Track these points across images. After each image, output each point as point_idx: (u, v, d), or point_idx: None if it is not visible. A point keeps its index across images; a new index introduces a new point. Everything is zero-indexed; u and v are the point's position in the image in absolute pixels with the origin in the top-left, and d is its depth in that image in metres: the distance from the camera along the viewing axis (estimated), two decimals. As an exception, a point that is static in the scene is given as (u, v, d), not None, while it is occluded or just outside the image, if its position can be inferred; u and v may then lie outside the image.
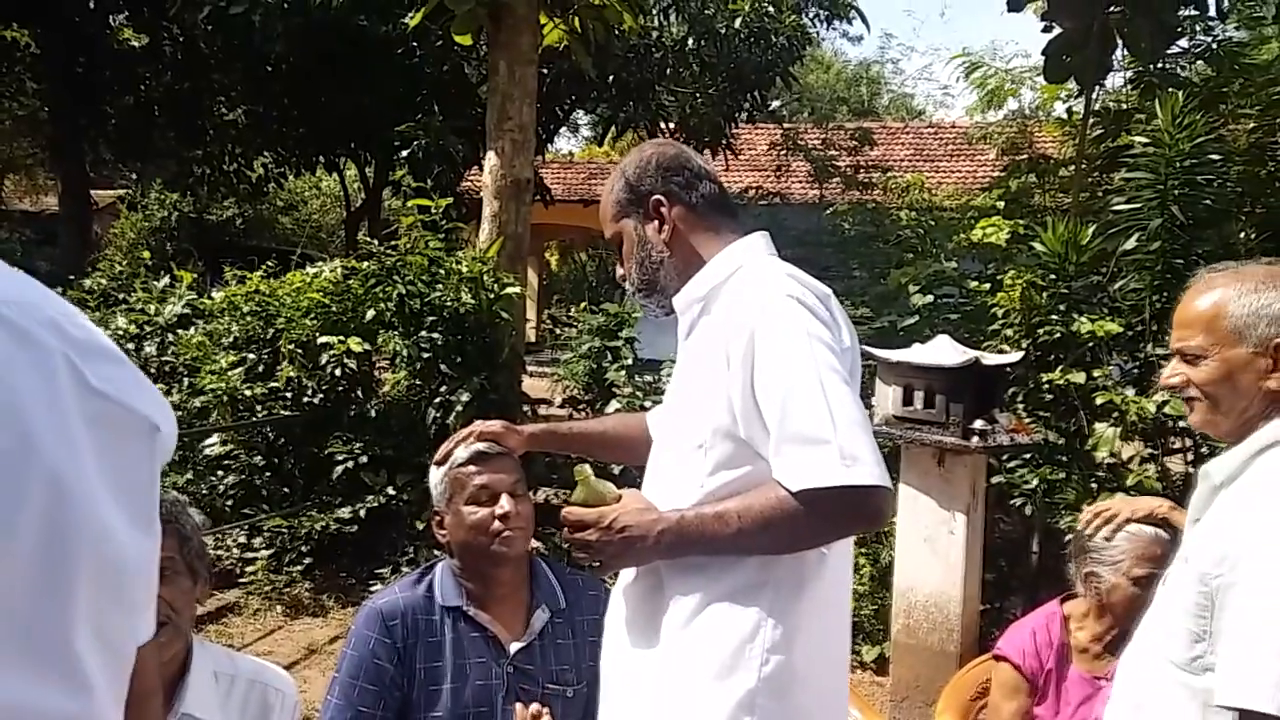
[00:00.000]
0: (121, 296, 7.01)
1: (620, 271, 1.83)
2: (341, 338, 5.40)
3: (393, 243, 5.64)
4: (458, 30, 6.10)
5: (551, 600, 2.08)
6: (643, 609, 1.67)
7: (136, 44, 12.40)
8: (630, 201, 1.78)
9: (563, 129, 15.76)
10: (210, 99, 12.01)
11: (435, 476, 2.07)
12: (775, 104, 14.32)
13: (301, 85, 10.23)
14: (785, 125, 13.62)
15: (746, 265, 1.68)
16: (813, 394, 1.47)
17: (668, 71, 10.25)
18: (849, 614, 1.74)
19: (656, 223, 1.74)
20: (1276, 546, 1.39)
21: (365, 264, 5.61)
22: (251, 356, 5.73)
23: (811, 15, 10.69)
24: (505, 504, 1.98)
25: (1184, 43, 7.41)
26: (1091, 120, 7.23)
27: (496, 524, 1.97)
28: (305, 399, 5.58)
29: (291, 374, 5.57)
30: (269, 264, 6.57)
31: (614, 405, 5.44)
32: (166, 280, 6.53)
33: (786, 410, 1.49)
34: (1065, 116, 8.97)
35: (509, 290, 5.56)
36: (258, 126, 11.76)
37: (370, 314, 5.45)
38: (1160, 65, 7.19)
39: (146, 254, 7.66)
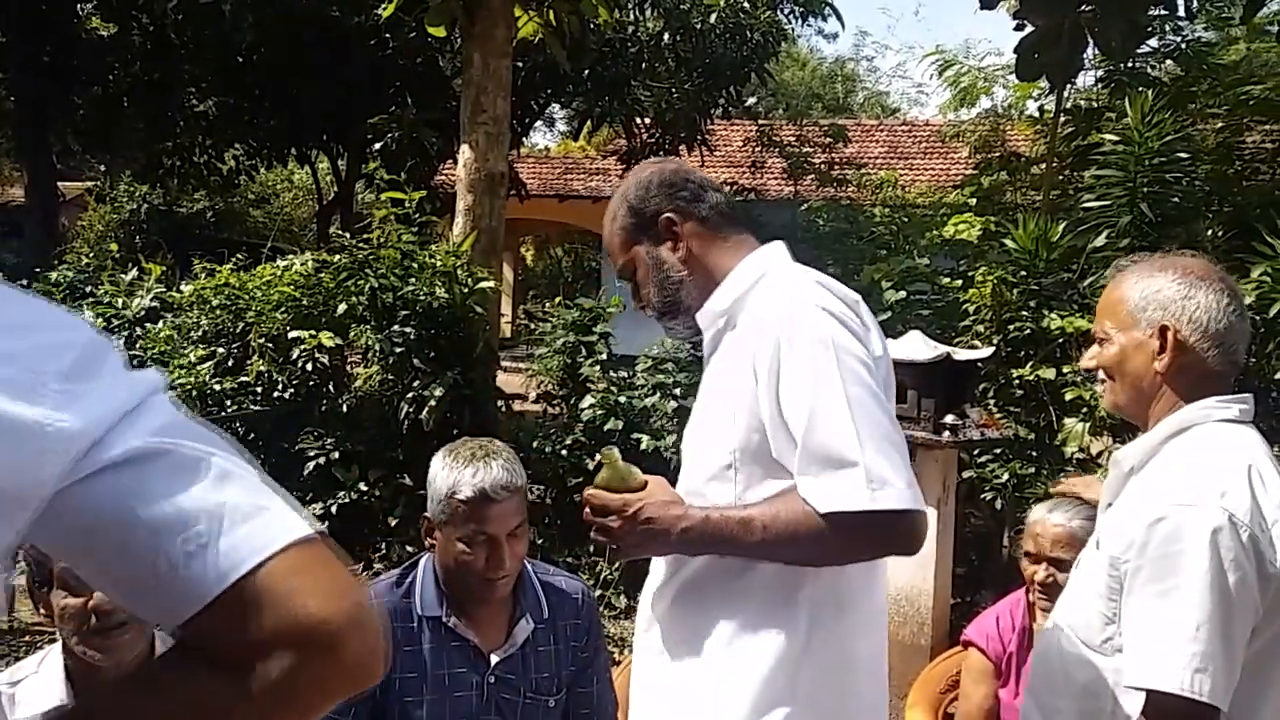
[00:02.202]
0: (88, 290, 6.91)
1: (639, 300, 1.75)
2: (313, 332, 5.35)
3: (365, 236, 5.59)
4: (431, 22, 6.06)
5: (535, 610, 2.03)
6: (681, 617, 1.63)
7: (105, 33, 12.23)
8: (638, 226, 1.71)
9: (538, 123, 15.72)
10: (180, 90, 11.86)
11: (436, 477, 1.93)
12: (751, 100, 14.35)
13: (273, 76, 10.12)
14: (760, 122, 13.65)
15: (769, 274, 1.63)
16: (839, 411, 1.42)
17: (643, 66, 10.24)
18: (885, 626, 1.70)
19: (670, 243, 1.68)
20: (1179, 530, 1.44)
21: (337, 257, 5.56)
22: (221, 351, 5.67)
23: (786, 11, 10.71)
24: (501, 552, 1.89)
25: (1154, 42, 7.49)
26: (1062, 118, 7.29)
27: (486, 569, 1.89)
28: (276, 394, 5.52)
29: (262, 368, 5.51)
30: (239, 257, 6.50)
31: (588, 400, 5.43)
32: (134, 273, 6.44)
33: (812, 427, 1.43)
34: (1037, 115, 9.05)
35: (483, 285, 5.52)
36: (229, 118, 11.63)
37: (342, 308, 5.41)
38: (1130, 64, 7.27)
39: (114, 246, 7.55)
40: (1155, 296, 1.60)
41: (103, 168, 16.82)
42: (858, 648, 1.57)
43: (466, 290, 5.46)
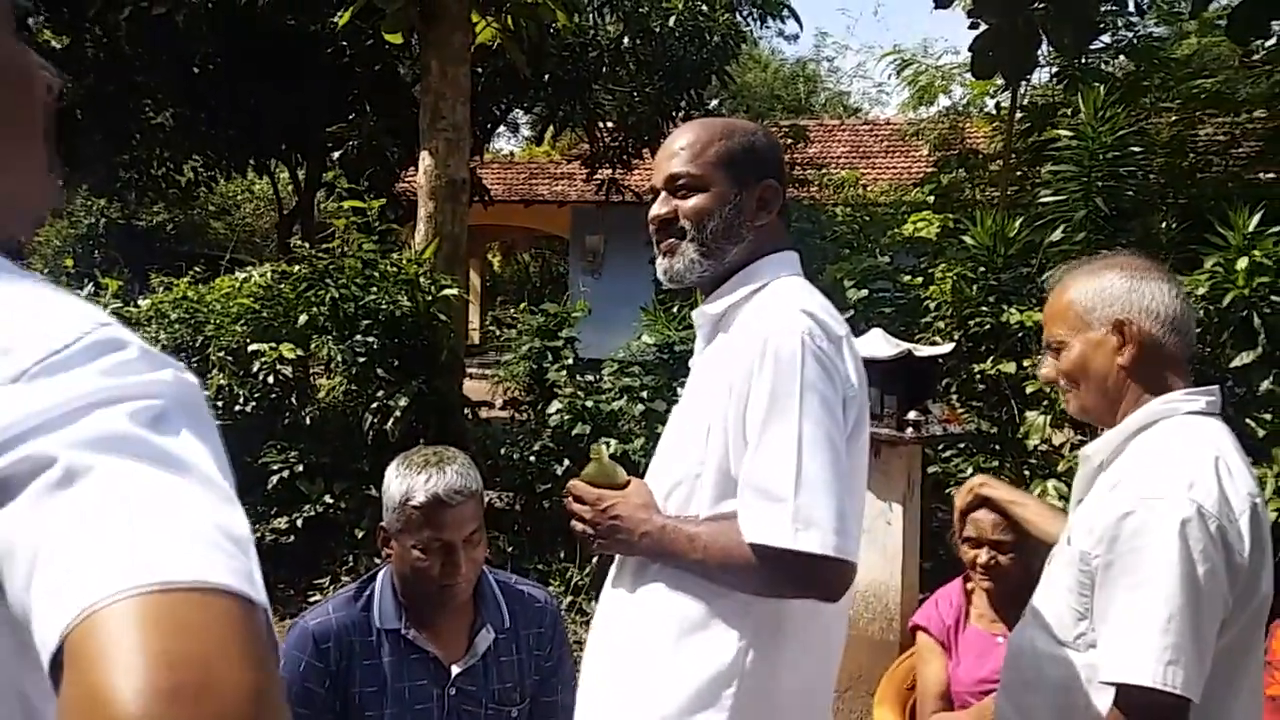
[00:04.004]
0: (44, 306, 6.77)
1: (674, 208, 1.63)
2: (273, 344, 5.29)
3: (325, 245, 5.53)
4: (388, 29, 6.02)
5: (496, 619, 2.01)
6: (628, 620, 1.63)
7: (57, 45, 12.03)
8: (746, 164, 1.62)
9: (501, 129, 15.66)
10: (136, 101, 11.70)
11: (390, 485, 1.91)
12: (714, 103, 14.37)
13: (230, 87, 10.00)
14: (722, 123, 13.66)
15: (771, 284, 1.61)
16: (785, 446, 1.42)
17: (603, 70, 10.22)
18: (839, 648, 1.69)
19: (755, 205, 1.62)
20: (1147, 523, 1.45)
21: (297, 268, 5.50)
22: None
23: (745, 13, 10.74)
24: (456, 557, 1.87)
25: (1106, 38, 7.60)
26: (1018, 115, 7.37)
27: (443, 575, 1.88)
28: (237, 408, 5.45)
29: (222, 382, 5.44)
30: (196, 270, 6.41)
31: (555, 405, 5.41)
32: (90, 289, 6.34)
33: (756, 456, 1.44)
34: (994, 112, 9.15)
35: (446, 292, 5.49)
36: (186, 129, 11.48)
37: (303, 319, 5.35)
38: (1084, 60, 7.37)
39: (69, 261, 7.43)
40: (1103, 294, 1.61)
41: (60, 182, 16.50)
42: (794, 679, 1.55)
43: (430, 298, 5.42)
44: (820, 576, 1.42)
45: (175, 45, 8.95)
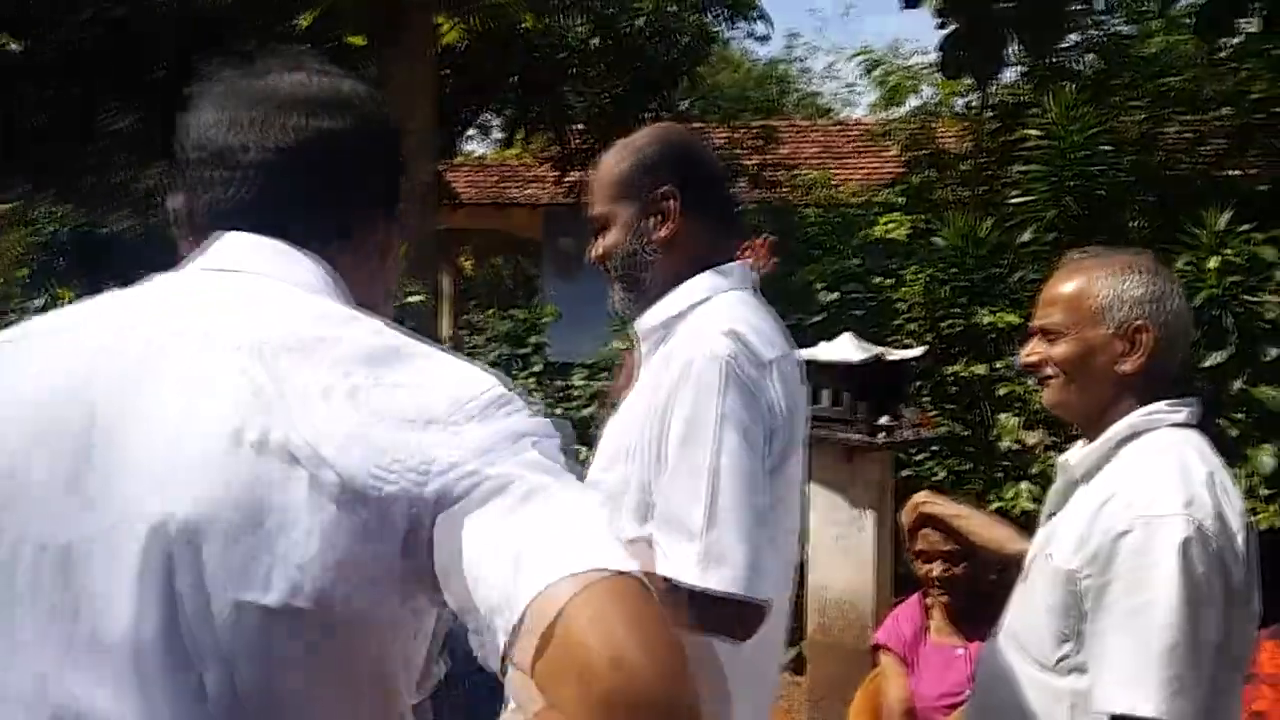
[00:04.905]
0: (-4, 318, 6.62)
1: (596, 251, 1.63)
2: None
3: (284, 253, 5.41)
4: (350, 32, 5.92)
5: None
6: None
7: (16, 46, 11.79)
8: (635, 184, 1.58)
9: (471, 131, 15.53)
10: (98, 106, 11.49)
11: None
12: (685, 104, 14.33)
13: (191, 91, 9.82)
14: (692, 125, 13.65)
15: (712, 300, 1.54)
16: (698, 478, 1.35)
17: (573, 71, 10.14)
18: (779, 653, 1.62)
19: (658, 218, 1.56)
20: (1148, 543, 1.38)
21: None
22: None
23: (715, 14, 10.69)
24: None
25: (1074, 36, 7.59)
26: (988, 114, 7.36)
27: None
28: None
29: (182, 393, 5.30)
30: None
31: (524, 413, 5.31)
32: (43, 300, 6.17)
33: (670, 486, 1.39)
34: (963, 112, 9.14)
35: (412, 299, 5.39)
36: (148, 134, 11.29)
37: (265, 328, 5.22)
38: (1052, 59, 7.36)
39: (23, 272, 7.24)
40: (1125, 295, 1.54)
41: (20, 190, 16.24)
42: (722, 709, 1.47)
43: (396, 305, 5.32)
44: (728, 617, 1.36)
45: (137, 49, 8.77)
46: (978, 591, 2.51)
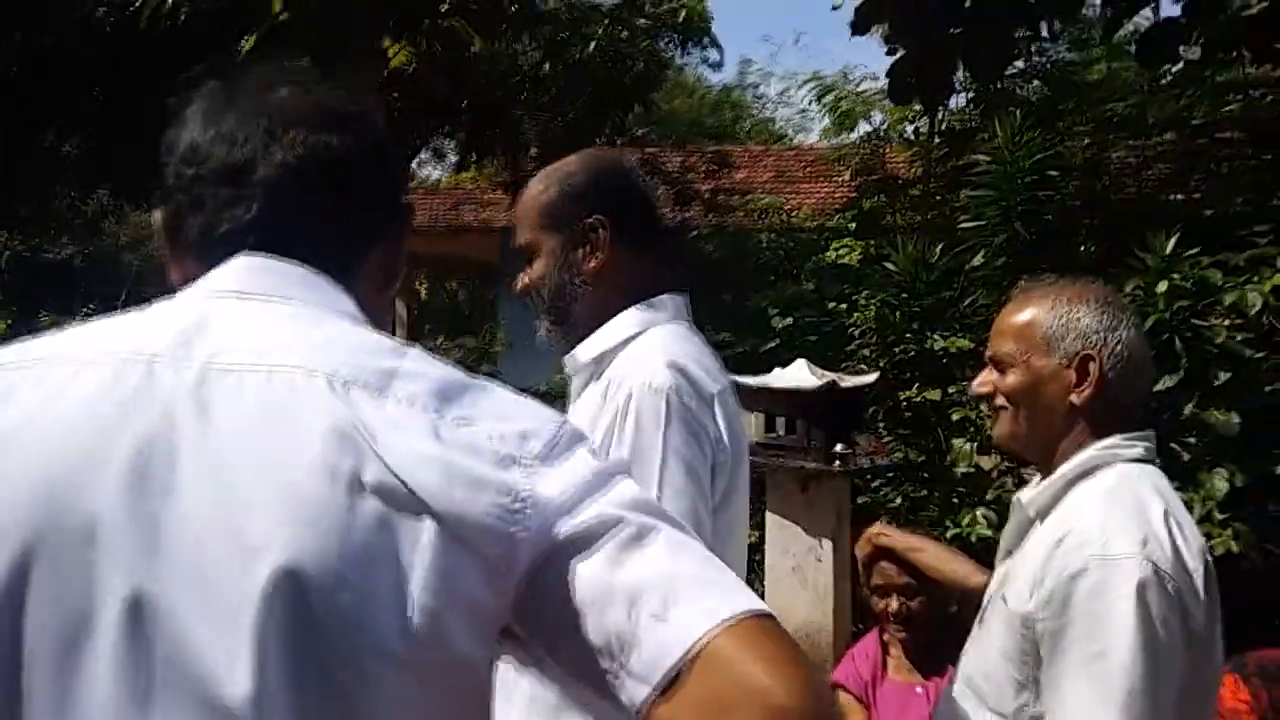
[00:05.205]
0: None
1: (522, 281, 1.56)
2: (172, 385, 4.99)
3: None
4: (294, 55, 5.80)
5: None
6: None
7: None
8: (561, 214, 1.52)
9: (426, 156, 15.41)
10: (38, 131, 11.22)
11: None
12: (642, 130, 14.36)
13: (130, 115, 9.62)
14: (645, 150, 13.67)
15: (647, 333, 1.47)
16: None
17: (524, 97, 10.10)
18: None
19: (585, 248, 1.50)
20: (1104, 585, 1.32)
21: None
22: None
23: (666, 40, 10.72)
24: None
25: (1020, 63, 7.70)
26: (936, 140, 7.42)
27: None
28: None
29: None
30: (90, 307, 6.06)
31: (474, 443, 5.20)
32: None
33: None
34: (913, 138, 9.22)
35: (357, 327, 5.27)
36: (91, 158, 11.04)
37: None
38: (999, 85, 7.45)
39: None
40: (1075, 325, 1.49)
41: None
42: None
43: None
44: None
45: (75, 77, 8.57)
46: (935, 626, 2.45)
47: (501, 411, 0.77)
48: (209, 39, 8.54)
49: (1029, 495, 1.54)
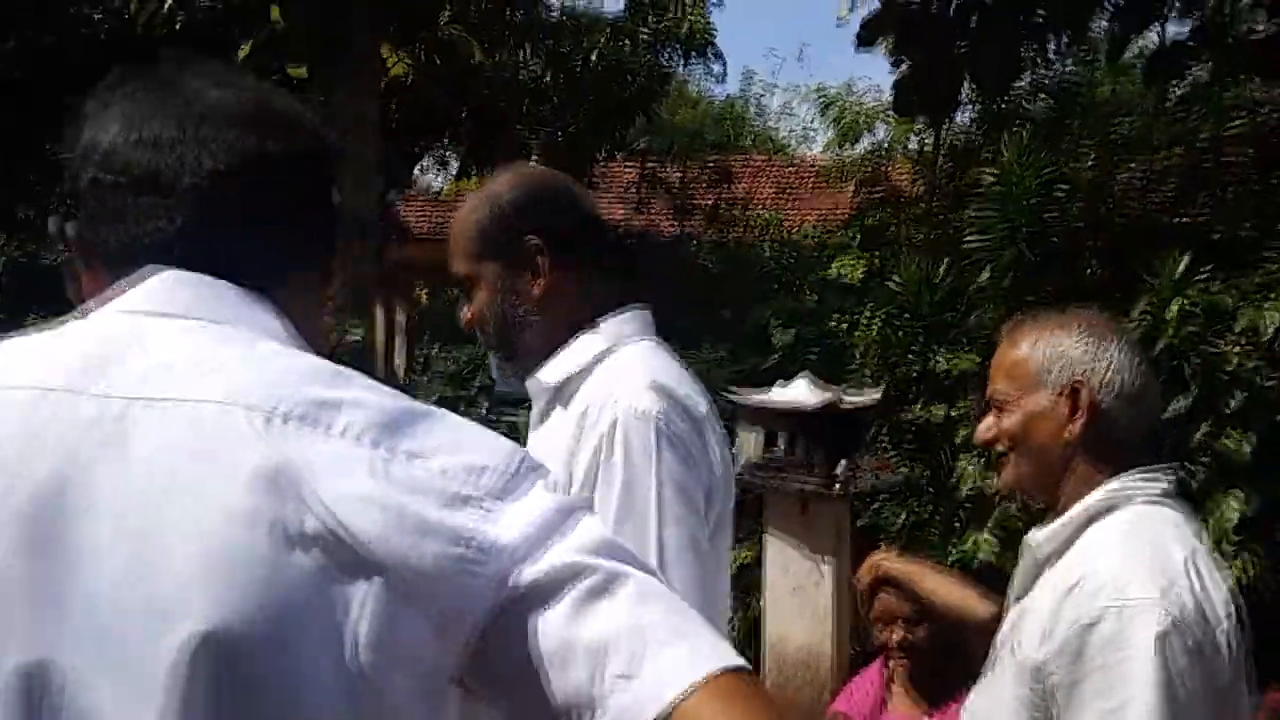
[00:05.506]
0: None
1: (466, 315, 1.44)
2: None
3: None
4: (291, 63, 5.75)
5: None
6: None
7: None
8: (498, 241, 1.38)
9: (424, 164, 15.38)
10: (35, 132, 11.20)
11: None
12: (643, 142, 14.35)
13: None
14: (647, 162, 13.64)
15: (617, 352, 1.36)
16: (642, 557, 1.21)
17: (525, 108, 10.06)
18: None
19: (529, 274, 1.38)
20: (1120, 636, 1.24)
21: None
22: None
23: (668, 53, 10.70)
24: None
25: (1026, 79, 7.65)
26: (941, 156, 7.37)
27: None
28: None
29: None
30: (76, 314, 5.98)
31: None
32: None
33: None
34: (917, 152, 9.18)
35: (351, 338, 5.19)
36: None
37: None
38: (1004, 101, 7.41)
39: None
40: (1061, 355, 1.41)
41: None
42: None
43: (333, 343, 5.12)
44: None
45: (72, 79, 8.52)
46: (940, 655, 2.36)
47: (454, 443, 0.69)
48: (206, 45, 8.52)
49: (1039, 537, 1.45)
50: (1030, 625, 1.37)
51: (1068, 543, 1.39)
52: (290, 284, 0.81)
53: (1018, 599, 1.48)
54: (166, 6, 6.20)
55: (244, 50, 5.96)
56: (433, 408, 0.73)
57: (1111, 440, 1.39)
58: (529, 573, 0.65)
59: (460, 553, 0.64)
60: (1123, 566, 1.30)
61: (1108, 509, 1.37)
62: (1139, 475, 1.38)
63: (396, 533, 0.63)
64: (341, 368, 0.74)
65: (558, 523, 0.68)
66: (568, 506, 0.70)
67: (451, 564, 0.64)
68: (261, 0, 5.35)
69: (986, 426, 1.50)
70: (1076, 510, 1.39)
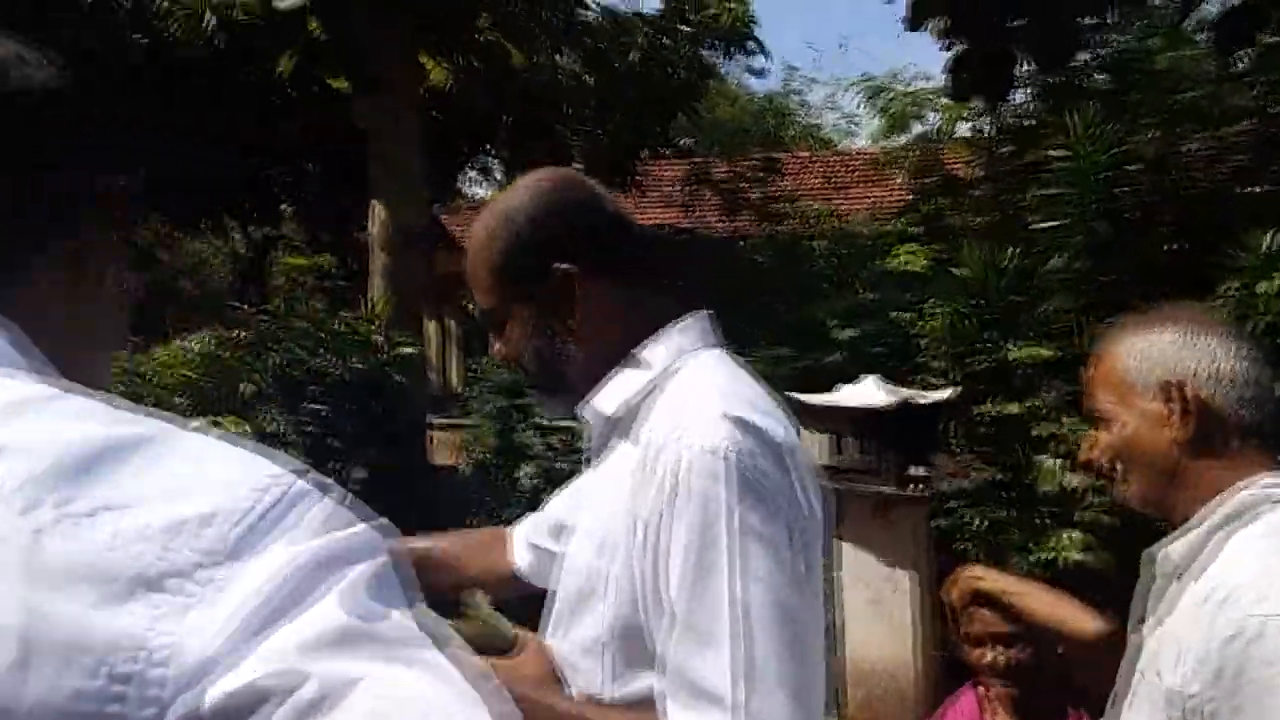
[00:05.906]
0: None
1: (498, 351, 1.26)
2: (215, 418, 4.87)
3: (264, 307, 5.15)
4: (331, 74, 5.69)
5: None
6: None
7: None
8: (521, 271, 1.19)
9: (473, 174, 15.39)
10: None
11: None
12: (686, 140, 14.19)
13: (170, 143, 9.66)
14: (694, 159, 13.48)
15: (682, 371, 1.16)
16: (720, 623, 1.00)
17: (567, 110, 9.96)
18: None
19: (563, 304, 1.19)
20: (1275, 652, 1.10)
21: (237, 332, 5.09)
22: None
23: (710, 47, 10.53)
24: None
25: (1084, 55, 7.38)
26: (1000, 137, 7.11)
27: None
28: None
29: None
30: (135, 340, 6.01)
31: (526, 469, 5.02)
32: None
33: (683, 637, 1.02)
34: (970, 135, 8.90)
35: (402, 350, 5.11)
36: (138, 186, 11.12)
37: (248, 388, 4.94)
38: (1063, 77, 7.13)
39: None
40: (1153, 355, 1.31)
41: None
42: None
43: (384, 358, 5.04)
44: None
45: (116, 97, 8.59)
46: (1044, 678, 2.17)
47: (176, 485, 0.50)
48: (245, 57, 8.53)
49: (1168, 551, 1.31)
50: (1166, 649, 1.23)
51: (1195, 552, 1.26)
52: (44, 267, 0.63)
53: (1142, 620, 1.34)
54: (207, 26, 6.18)
55: (283, 62, 5.91)
56: (174, 430, 0.53)
57: (1225, 435, 1.27)
58: (218, 690, 0.45)
59: (98, 689, 0.44)
60: (1267, 573, 1.17)
61: (1242, 512, 1.24)
62: (1273, 475, 1.25)
63: (26, 665, 0.44)
64: (55, 390, 0.54)
65: (302, 591, 0.47)
66: (339, 552, 0.49)
67: (98, 702, 0.44)
68: (300, 12, 5.30)
69: (1089, 444, 1.40)
70: (1203, 514, 1.26)
